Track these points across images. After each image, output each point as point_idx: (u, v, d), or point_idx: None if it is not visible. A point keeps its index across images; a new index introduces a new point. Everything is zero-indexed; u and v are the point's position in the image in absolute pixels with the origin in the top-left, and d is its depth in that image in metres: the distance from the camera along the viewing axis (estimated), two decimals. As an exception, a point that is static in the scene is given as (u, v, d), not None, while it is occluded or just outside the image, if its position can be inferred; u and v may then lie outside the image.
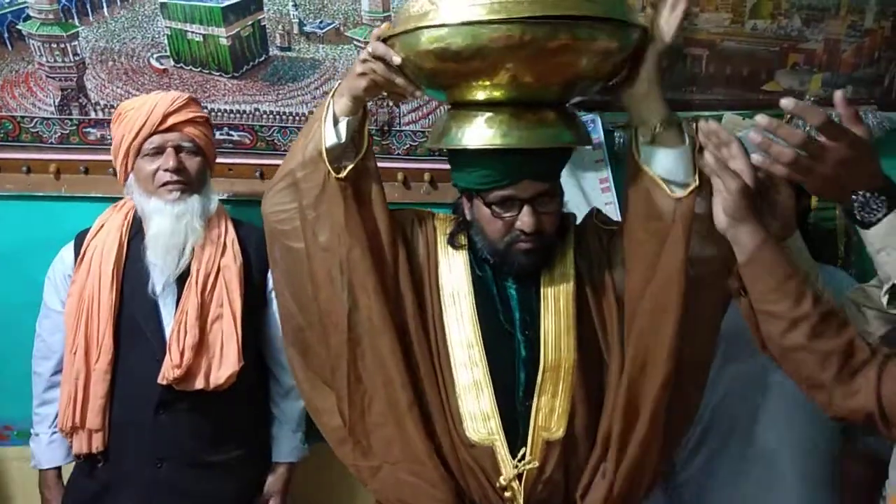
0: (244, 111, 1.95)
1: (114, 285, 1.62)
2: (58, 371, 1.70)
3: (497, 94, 1.13)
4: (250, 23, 1.87)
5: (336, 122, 1.22)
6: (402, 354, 1.26)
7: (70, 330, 1.64)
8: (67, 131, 1.95)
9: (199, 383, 1.58)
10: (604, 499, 1.25)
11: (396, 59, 1.13)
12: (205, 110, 1.95)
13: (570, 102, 1.26)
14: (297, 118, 1.96)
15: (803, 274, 1.11)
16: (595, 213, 1.42)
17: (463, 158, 1.25)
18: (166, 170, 1.61)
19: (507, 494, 1.26)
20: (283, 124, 1.96)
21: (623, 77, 1.20)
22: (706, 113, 2.04)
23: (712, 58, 2.00)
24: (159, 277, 1.63)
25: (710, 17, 1.97)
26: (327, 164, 1.22)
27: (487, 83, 1.11)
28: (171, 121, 1.62)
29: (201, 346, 1.59)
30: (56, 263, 1.74)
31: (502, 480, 1.25)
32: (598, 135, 1.94)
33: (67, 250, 1.73)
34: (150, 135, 1.61)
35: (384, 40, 1.15)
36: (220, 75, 1.92)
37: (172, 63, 1.91)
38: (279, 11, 1.86)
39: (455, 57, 1.06)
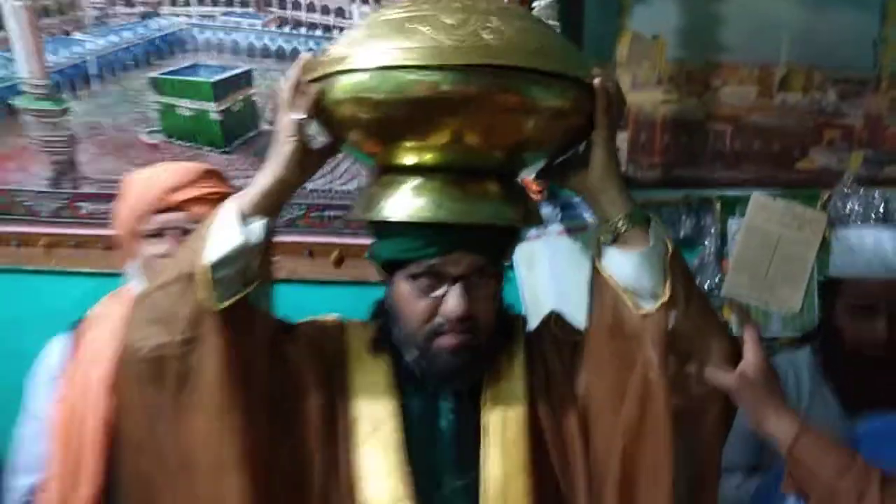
0: (236, 186, 1.87)
1: (109, 394, 1.30)
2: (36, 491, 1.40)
3: (428, 157, 0.95)
4: (241, 97, 1.81)
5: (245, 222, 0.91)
6: None
7: (54, 448, 1.33)
8: (59, 205, 1.91)
9: None
10: None
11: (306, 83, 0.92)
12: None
13: (519, 174, 1.05)
14: (291, 194, 1.87)
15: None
16: (554, 319, 1.12)
17: (386, 227, 0.99)
18: (162, 256, 1.34)
19: None
20: (275, 200, 1.87)
21: (577, 159, 0.99)
22: (732, 191, 1.87)
23: (737, 133, 1.84)
24: None
25: (733, 91, 1.81)
26: (200, 291, 0.89)
27: (416, 144, 0.94)
28: (174, 198, 1.36)
29: None
30: (41, 364, 1.46)
31: None
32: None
33: (58, 345, 1.44)
34: (150, 214, 1.36)
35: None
36: (211, 150, 1.85)
37: (164, 137, 1.85)
38: (270, 87, 1.79)
39: (376, 108, 0.89)
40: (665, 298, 0.92)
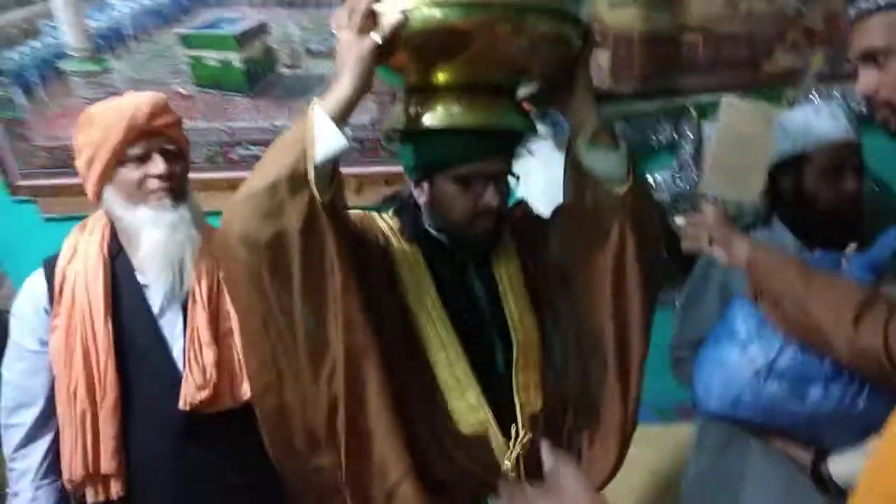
0: (262, 127, 2.11)
1: (108, 313, 1.45)
2: (42, 419, 1.50)
3: (453, 76, 1.17)
4: (259, 46, 2.03)
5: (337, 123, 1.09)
6: (389, 385, 1.20)
7: (63, 369, 1.45)
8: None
9: (227, 402, 1.45)
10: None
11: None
12: (227, 129, 2.12)
13: (515, 91, 1.29)
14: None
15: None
16: (524, 205, 1.48)
17: (429, 138, 1.22)
18: (157, 176, 1.45)
19: (510, 472, 1.27)
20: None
21: (562, 83, 1.26)
22: (705, 97, 2.05)
23: (708, 42, 2.02)
24: (156, 297, 1.50)
25: (700, 3, 1.98)
26: (314, 188, 1.07)
27: (448, 65, 1.16)
28: (157, 122, 1.46)
29: (221, 362, 1.46)
30: (24, 299, 1.52)
31: (506, 461, 1.27)
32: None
33: (37, 281, 1.52)
34: (134, 140, 1.45)
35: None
36: (238, 95, 2.08)
37: (194, 87, 2.08)
38: (284, 34, 2.01)
39: (432, 36, 1.10)
40: (631, 182, 1.24)
